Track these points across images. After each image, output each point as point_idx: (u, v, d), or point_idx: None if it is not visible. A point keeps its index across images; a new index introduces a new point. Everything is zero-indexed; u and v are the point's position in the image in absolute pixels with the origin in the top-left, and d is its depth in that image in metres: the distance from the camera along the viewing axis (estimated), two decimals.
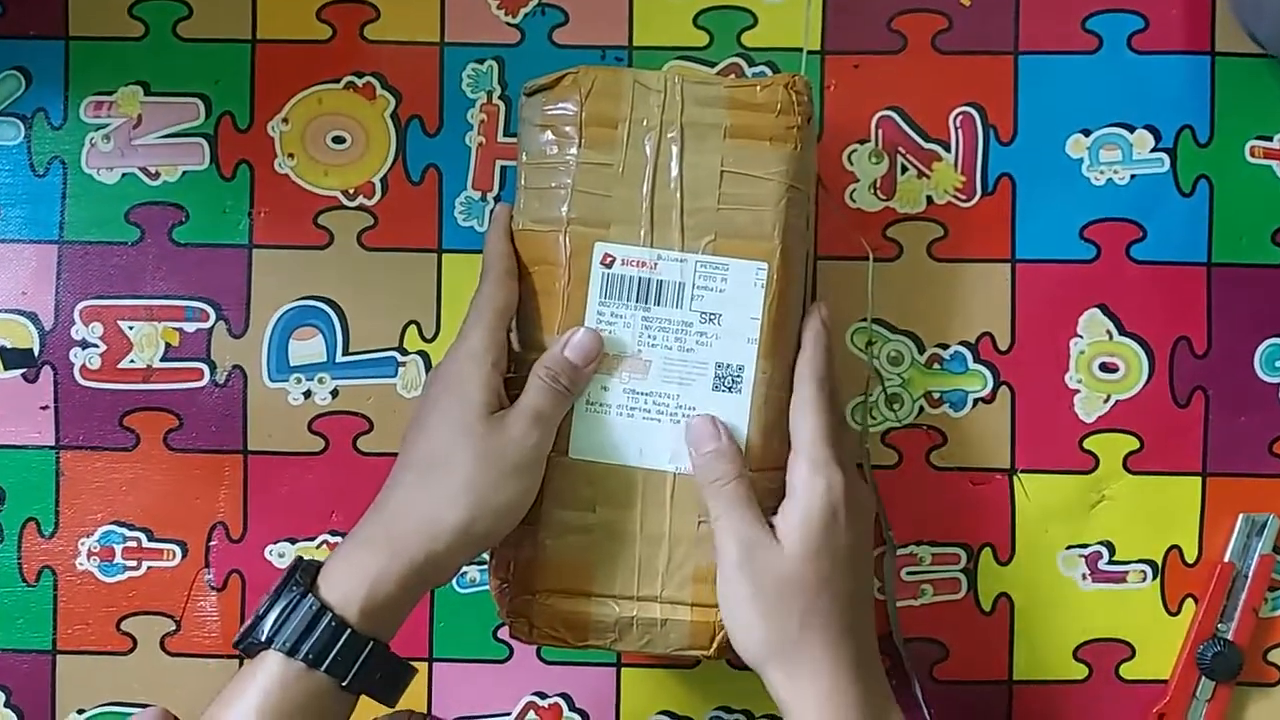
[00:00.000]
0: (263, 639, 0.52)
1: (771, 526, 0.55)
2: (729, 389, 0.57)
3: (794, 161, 0.57)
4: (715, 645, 0.57)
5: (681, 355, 0.57)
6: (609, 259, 0.57)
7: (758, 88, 0.57)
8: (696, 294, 0.57)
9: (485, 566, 0.66)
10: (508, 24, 0.66)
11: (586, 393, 0.57)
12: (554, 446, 0.56)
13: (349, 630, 0.52)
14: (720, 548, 0.55)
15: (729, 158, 0.57)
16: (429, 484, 0.54)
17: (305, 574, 0.53)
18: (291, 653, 0.51)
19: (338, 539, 0.66)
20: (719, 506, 0.55)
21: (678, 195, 0.57)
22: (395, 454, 0.57)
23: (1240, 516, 0.65)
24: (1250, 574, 0.65)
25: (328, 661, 0.51)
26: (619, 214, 0.57)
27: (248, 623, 0.53)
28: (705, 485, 0.56)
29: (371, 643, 0.53)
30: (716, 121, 0.57)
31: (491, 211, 0.63)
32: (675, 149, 0.57)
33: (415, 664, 0.65)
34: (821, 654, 0.54)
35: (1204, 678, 0.64)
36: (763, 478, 0.57)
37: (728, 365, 0.57)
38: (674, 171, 0.57)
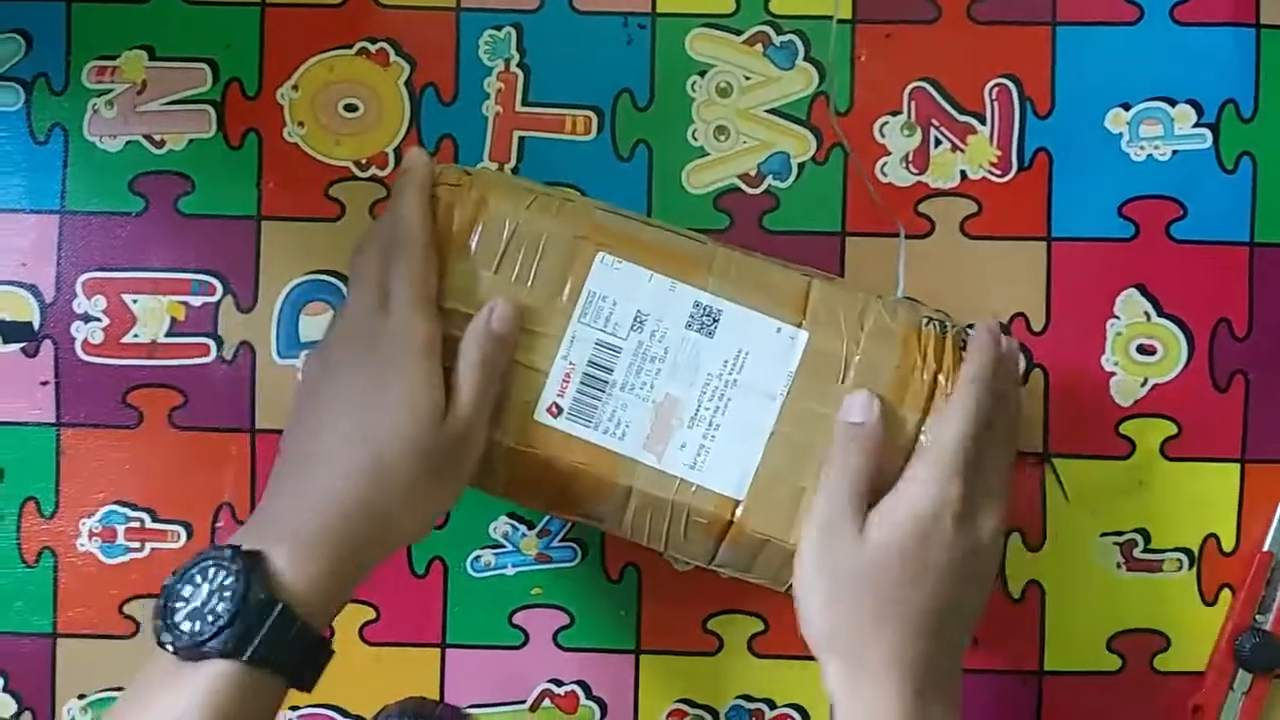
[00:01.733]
0: (224, 648, 0.46)
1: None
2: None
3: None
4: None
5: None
6: None
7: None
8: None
9: (500, 550, 0.64)
10: None
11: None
12: None
13: (317, 636, 0.48)
14: (805, 529, 0.53)
15: None
16: (382, 492, 0.50)
17: (255, 570, 0.48)
18: (261, 664, 0.47)
19: None
20: (823, 481, 0.53)
21: None
22: None
23: None
24: None
25: (295, 668, 0.48)
26: None
27: (185, 625, 0.47)
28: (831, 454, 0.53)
29: (326, 641, 0.49)
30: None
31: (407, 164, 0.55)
32: None
33: (428, 649, 0.65)
34: (888, 658, 0.51)
35: (1241, 669, 0.63)
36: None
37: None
38: None
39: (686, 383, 0.55)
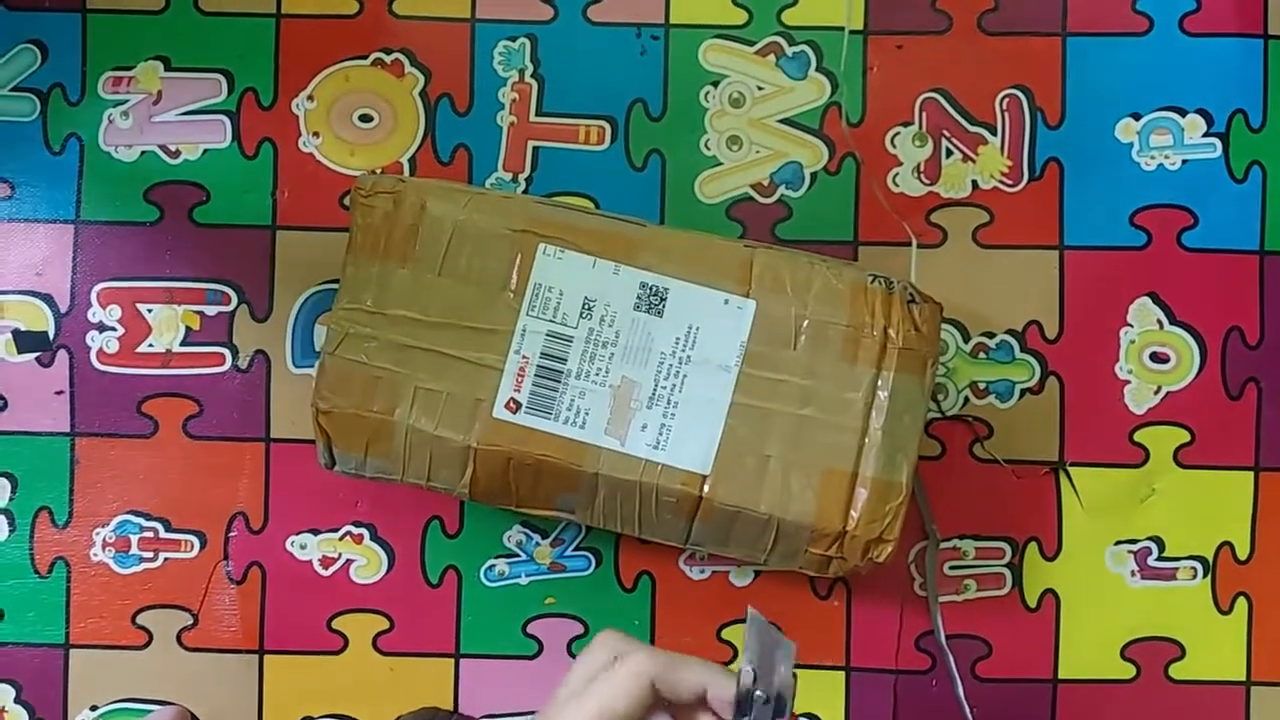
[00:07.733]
0: None
1: None
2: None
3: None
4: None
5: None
6: None
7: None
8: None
9: (514, 559, 0.64)
10: (541, 0, 0.64)
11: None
12: None
13: None
14: None
15: None
16: None
17: None
18: None
19: (361, 530, 0.64)
20: None
21: None
22: None
23: (749, 614, 0.44)
24: (773, 699, 0.43)
25: None
26: None
27: None
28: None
29: None
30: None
31: None
32: None
33: (442, 659, 0.64)
34: None
35: None
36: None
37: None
38: None
39: (641, 364, 0.55)
